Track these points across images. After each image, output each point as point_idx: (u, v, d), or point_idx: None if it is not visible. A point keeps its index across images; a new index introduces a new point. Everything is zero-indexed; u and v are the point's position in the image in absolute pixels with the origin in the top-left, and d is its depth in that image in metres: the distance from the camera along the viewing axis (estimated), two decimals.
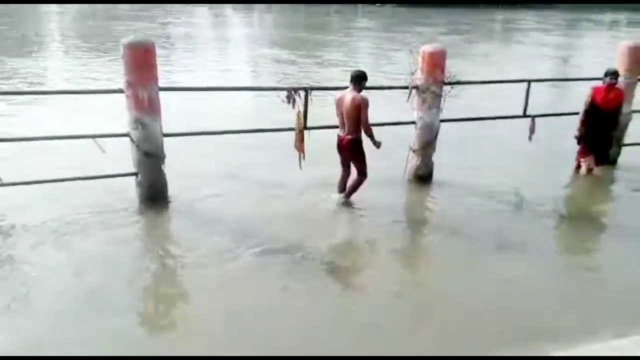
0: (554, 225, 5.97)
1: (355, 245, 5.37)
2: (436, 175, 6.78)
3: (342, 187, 6.10)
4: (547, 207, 6.25)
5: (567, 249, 5.57)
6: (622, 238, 5.63)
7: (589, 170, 7.11)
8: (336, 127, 5.95)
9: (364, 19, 34.45)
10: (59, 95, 7.95)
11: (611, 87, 6.77)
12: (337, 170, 6.12)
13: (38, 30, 23.61)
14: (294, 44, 20.91)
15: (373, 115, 5.64)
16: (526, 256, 5.14)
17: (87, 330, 3.83)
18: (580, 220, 6.12)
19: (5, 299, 4.14)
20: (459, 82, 6.52)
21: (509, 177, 7.06)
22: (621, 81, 6.95)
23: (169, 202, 5.84)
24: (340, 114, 5.71)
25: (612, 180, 7.24)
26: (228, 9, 39.53)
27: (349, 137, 5.67)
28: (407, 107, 6.59)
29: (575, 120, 7.04)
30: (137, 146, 5.53)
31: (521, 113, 7.17)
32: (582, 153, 7.12)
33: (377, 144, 5.70)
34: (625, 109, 7.19)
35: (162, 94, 5.50)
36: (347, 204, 6.02)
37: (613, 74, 6.74)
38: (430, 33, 25.06)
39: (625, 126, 7.42)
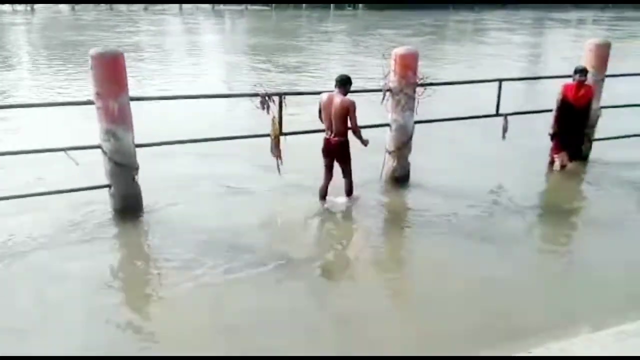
0: (531, 221, 6.04)
1: (335, 249, 5.32)
2: (413, 176, 6.81)
3: (324, 192, 6.11)
4: (523, 203, 6.32)
5: (545, 244, 5.63)
6: (598, 230, 5.75)
7: (563, 166, 7.24)
8: (312, 131, 5.94)
9: (332, 23, 34.56)
10: (28, 109, 7.74)
11: (581, 84, 6.91)
12: (314, 173, 6.11)
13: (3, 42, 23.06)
14: (263, 50, 20.85)
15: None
16: (505, 252, 5.20)
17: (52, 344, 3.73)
18: (556, 214, 6.20)
19: None
20: (431, 84, 6.56)
21: (485, 175, 7.13)
22: (589, 78, 7.08)
23: (144, 213, 5.73)
24: (328, 117, 5.74)
25: (585, 175, 7.38)
26: (200, 15, 39.27)
27: (337, 139, 5.75)
28: (382, 110, 6.62)
29: (548, 118, 7.16)
30: (109, 158, 5.42)
31: (494, 112, 7.25)
32: (556, 149, 7.24)
33: (366, 143, 5.83)
34: (594, 105, 7.34)
35: (133, 104, 5.41)
36: (353, 202, 6.11)
37: (582, 71, 6.88)
38: (394, 35, 25.31)
39: (595, 122, 7.57)
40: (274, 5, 42.95)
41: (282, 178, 6.17)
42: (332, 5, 42.86)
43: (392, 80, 6.43)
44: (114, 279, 4.68)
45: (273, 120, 5.98)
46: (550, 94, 7.30)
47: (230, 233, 5.40)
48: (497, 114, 7.26)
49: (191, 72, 15.65)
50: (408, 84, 6.39)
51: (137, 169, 5.58)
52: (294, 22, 34.53)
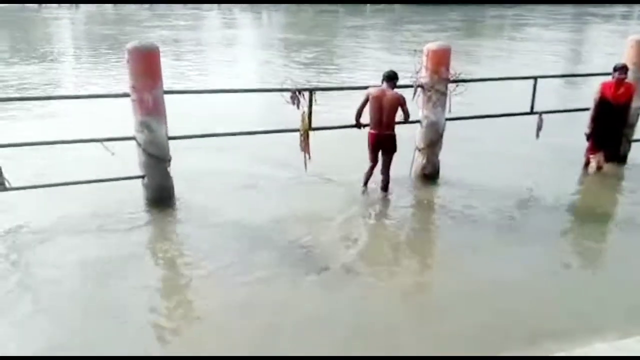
0: (562, 223, 5.90)
1: (368, 246, 5.30)
2: (442, 173, 6.76)
3: (368, 177, 6.32)
4: (555, 204, 6.19)
5: (575, 247, 5.51)
6: (633, 235, 5.57)
7: (599, 168, 7.04)
8: (340, 127, 5.98)
9: (360, 19, 34.38)
10: (66, 100, 8.02)
11: (620, 81, 6.70)
12: (341, 168, 6.19)
13: (48, 36, 23.82)
14: (293, 45, 20.93)
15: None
16: (538, 254, 5.11)
17: (97, 332, 3.87)
18: (590, 217, 6.04)
19: (21, 299, 4.22)
20: (464, 80, 6.48)
21: (517, 174, 7.01)
22: (630, 75, 6.87)
23: (175, 204, 5.87)
24: (379, 111, 5.90)
25: (621, 177, 7.16)
26: (235, 9, 39.64)
27: (389, 132, 6.00)
28: (413, 106, 6.57)
29: (585, 117, 6.97)
30: (143, 149, 5.57)
31: (528, 110, 7.11)
32: (592, 150, 7.05)
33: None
34: (635, 104, 7.11)
35: (167, 97, 5.54)
36: (386, 197, 6.25)
37: (622, 69, 6.67)
38: (419, 30, 25.08)
39: (635, 121, 7.34)
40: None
41: (309, 172, 6.22)
42: None
43: (424, 76, 6.37)
44: (146, 266, 4.81)
45: (302, 116, 6.02)
46: (589, 92, 7.10)
47: (258, 225, 5.49)
48: (532, 112, 7.11)
49: (225, 67, 15.86)
50: (440, 80, 6.33)
51: (169, 160, 5.72)
52: (326, 18, 34.48)
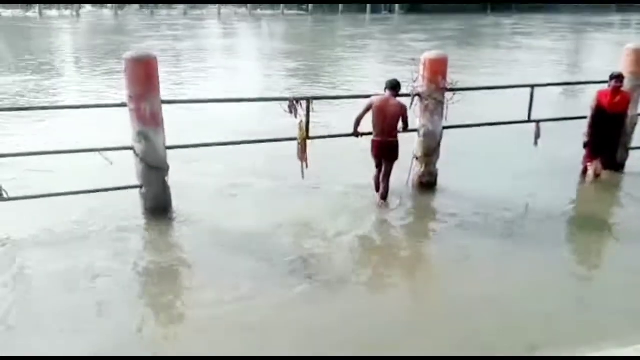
0: (563, 231, 5.92)
1: (365, 255, 5.34)
2: (440, 182, 6.76)
3: (378, 186, 6.34)
4: (554, 213, 6.18)
5: (576, 255, 5.52)
6: (631, 243, 5.55)
7: (596, 175, 7.04)
8: (337, 136, 6.01)
9: (353, 28, 34.55)
10: (64, 110, 8.05)
11: (617, 90, 6.73)
12: (338, 176, 6.21)
13: (48, 46, 23.93)
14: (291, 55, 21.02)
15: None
16: (536, 261, 5.11)
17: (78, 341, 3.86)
18: (586, 224, 6.06)
19: (9, 307, 4.22)
20: (461, 89, 6.50)
21: (514, 183, 7.01)
22: (627, 84, 6.89)
23: (173, 213, 5.87)
24: (382, 119, 5.96)
25: (619, 185, 7.17)
26: (234, 18, 39.84)
27: (392, 139, 6.06)
28: (410, 115, 6.59)
29: (583, 125, 6.99)
30: (141, 159, 5.58)
31: (526, 118, 7.12)
32: (589, 157, 7.06)
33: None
34: (631, 112, 7.13)
35: (165, 107, 5.56)
36: (386, 205, 6.27)
37: (618, 77, 6.70)
38: (409, 40, 25.28)
39: (632, 130, 7.35)
40: (309, 9, 43.27)
41: (306, 181, 6.23)
42: (368, 8, 42.85)
43: (421, 85, 6.40)
44: (141, 276, 4.81)
45: (300, 125, 6.04)
46: (587, 100, 7.12)
47: (255, 233, 5.50)
48: (529, 120, 7.13)
49: (220, 77, 15.93)
50: (437, 89, 6.35)
51: (167, 170, 5.73)
52: (323, 27, 34.68)
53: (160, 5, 43.59)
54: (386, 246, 5.55)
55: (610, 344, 3.75)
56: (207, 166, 7.09)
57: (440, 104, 6.41)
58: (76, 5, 39.24)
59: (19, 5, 39.10)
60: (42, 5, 38.40)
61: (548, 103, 7.36)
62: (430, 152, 6.60)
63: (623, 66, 7.16)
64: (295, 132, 6.05)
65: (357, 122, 6.15)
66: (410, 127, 6.30)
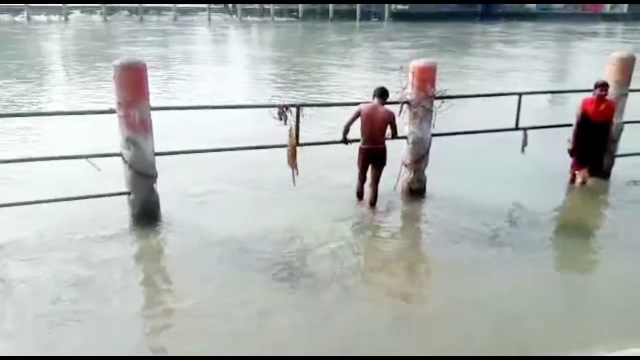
0: (550, 238, 5.96)
1: (354, 261, 5.32)
2: (429, 189, 6.79)
3: (360, 193, 6.43)
4: (542, 220, 6.23)
5: (564, 262, 5.56)
6: (618, 250, 5.62)
7: (583, 183, 7.11)
8: (328, 143, 6.05)
9: (336, 34, 34.71)
10: (52, 117, 8.02)
11: (602, 98, 6.81)
12: (327, 183, 6.26)
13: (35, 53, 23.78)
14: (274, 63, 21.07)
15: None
16: (524, 268, 5.15)
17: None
18: (576, 232, 6.10)
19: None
20: (449, 97, 6.55)
21: (503, 190, 7.06)
22: (612, 92, 6.99)
23: (162, 220, 5.84)
24: (370, 126, 6.01)
25: (606, 192, 7.24)
26: (230, 25, 39.85)
27: (381, 146, 6.14)
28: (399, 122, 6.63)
29: (569, 133, 7.06)
30: (129, 165, 5.55)
31: (513, 126, 7.19)
32: (576, 165, 7.14)
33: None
34: (617, 120, 7.22)
35: (153, 113, 5.55)
36: (375, 211, 6.31)
37: (602, 86, 6.78)
38: (391, 47, 25.47)
39: (618, 137, 7.44)
40: (300, 16, 43.45)
41: (293, 187, 6.23)
42: (357, 16, 43.12)
43: (410, 93, 6.44)
44: (129, 285, 4.77)
45: (290, 132, 6.05)
46: (572, 108, 7.20)
47: (244, 241, 5.48)
48: (517, 128, 7.20)
49: (212, 82, 15.92)
50: (426, 96, 6.40)
51: (155, 177, 5.71)
52: (313, 34, 34.83)
53: (151, 11, 43.53)
54: (373, 252, 5.55)
55: (600, 348, 3.79)
56: (195, 172, 7.06)
57: (428, 111, 6.46)
58: (64, 11, 38.99)
59: (7, 9, 38.83)
60: (30, 10, 38.15)
61: (533, 111, 7.41)
62: (418, 159, 6.64)
63: (608, 74, 7.25)
64: (285, 139, 6.06)
65: (346, 129, 6.18)
66: (399, 134, 6.35)
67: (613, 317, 4.39)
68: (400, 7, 46.08)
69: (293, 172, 6.18)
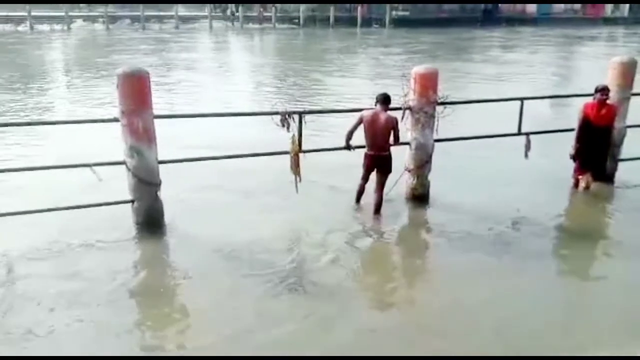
0: (554, 244, 5.96)
1: (358, 267, 5.33)
2: (432, 194, 6.79)
3: (359, 197, 6.49)
4: (546, 225, 6.22)
5: (567, 267, 5.55)
6: (623, 255, 5.60)
7: (587, 187, 7.10)
8: (330, 149, 6.07)
9: (336, 40, 34.81)
10: (55, 126, 8.05)
11: (603, 102, 6.81)
12: (331, 189, 6.35)
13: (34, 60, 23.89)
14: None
15: (360, 138, 6.07)
16: (527, 274, 5.14)
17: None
18: (580, 237, 6.09)
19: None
20: (452, 102, 6.57)
21: (506, 195, 7.05)
22: (613, 96, 6.99)
23: (165, 228, 5.86)
24: (373, 133, 6.02)
25: (610, 197, 7.23)
26: (230, 31, 40.00)
27: (386, 153, 6.16)
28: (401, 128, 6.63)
29: (571, 138, 7.06)
30: (133, 174, 5.57)
31: (516, 131, 7.19)
32: (579, 170, 7.13)
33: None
34: (619, 124, 7.22)
35: (157, 121, 5.57)
36: (379, 217, 6.30)
37: (603, 90, 6.78)
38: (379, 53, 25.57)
39: (621, 141, 7.43)
40: (301, 23, 43.58)
41: (299, 194, 6.24)
42: (358, 22, 43.22)
43: (412, 99, 6.45)
44: (132, 292, 4.78)
45: (292, 138, 6.07)
46: (576, 113, 7.19)
47: (247, 247, 5.49)
48: (519, 133, 7.20)
49: (215, 90, 15.98)
50: (428, 102, 6.41)
51: (159, 184, 5.73)
52: (314, 40, 34.95)
53: (152, 19, 43.71)
54: (377, 258, 5.56)
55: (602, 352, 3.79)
56: (198, 179, 7.08)
57: (431, 117, 6.47)
58: (67, 20, 39.18)
59: (9, 19, 39.06)
60: (33, 20, 38.35)
61: (532, 116, 7.41)
62: (422, 165, 6.64)
63: (610, 79, 7.26)
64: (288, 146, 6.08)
65: (349, 136, 6.19)
66: (402, 140, 6.36)
67: (617, 323, 4.38)
68: (401, 13, 46.23)
69: (296, 178, 6.19)
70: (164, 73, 18.17)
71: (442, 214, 6.47)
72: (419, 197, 6.74)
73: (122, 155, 5.54)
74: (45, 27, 39.30)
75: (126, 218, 5.78)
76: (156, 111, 5.63)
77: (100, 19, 42.05)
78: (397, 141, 6.22)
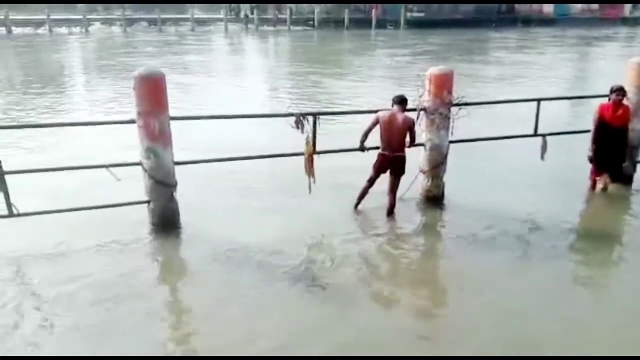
0: (572, 246, 5.87)
1: (373, 270, 5.33)
2: (447, 196, 6.75)
3: (360, 200, 6.39)
4: (563, 228, 6.14)
5: (586, 271, 5.46)
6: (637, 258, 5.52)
7: (604, 189, 7.02)
8: (344, 150, 6.07)
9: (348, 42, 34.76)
10: (74, 127, 8.17)
11: (618, 103, 6.73)
12: (346, 191, 6.26)
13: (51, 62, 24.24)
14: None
15: (376, 138, 6.03)
16: (543, 277, 5.09)
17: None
18: (598, 240, 6.00)
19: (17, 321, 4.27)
20: (467, 104, 6.53)
21: (523, 197, 6.98)
22: (632, 98, 6.90)
23: (181, 229, 5.90)
24: (389, 134, 6.03)
25: (628, 199, 7.13)
26: (242, 34, 40.20)
27: (400, 154, 6.14)
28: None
29: (588, 140, 6.98)
30: (150, 175, 5.62)
31: (532, 132, 7.13)
32: (596, 172, 7.05)
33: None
34: (637, 125, 7.12)
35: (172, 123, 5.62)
36: (392, 219, 6.30)
37: (618, 90, 6.71)
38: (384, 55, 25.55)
39: (639, 143, 7.32)
40: (315, 25, 43.63)
41: (311, 195, 6.24)
42: (373, 24, 43.15)
43: (427, 100, 6.43)
44: (148, 292, 4.82)
45: (307, 140, 6.08)
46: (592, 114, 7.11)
47: (261, 248, 5.51)
48: (536, 134, 7.13)
49: (230, 91, 16.08)
50: (443, 103, 6.38)
51: (175, 185, 5.77)
52: (313, 43, 34.98)
53: (168, 22, 44.09)
54: (390, 260, 5.53)
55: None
56: (212, 180, 7.12)
57: (446, 118, 6.44)
58: (85, 23, 39.70)
59: (28, 22, 39.70)
60: (52, 23, 38.92)
61: (548, 118, 7.33)
62: (436, 166, 6.61)
63: (628, 80, 7.16)
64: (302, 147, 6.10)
65: (364, 136, 6.19)
66: (417, 141, 6.34)
67: (635, 328, 4.31)
68: (415, 14, 46.05)
69: (310, 180, 6.20)
70: (179, 75, 18.36)
71: (457, 216, 6.43)
72: (434, 199, 6.71)
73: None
74: (63, 30, 39.84)
75: (142, 218, 5.84)
76: (174, 112, 5.68)
77: (118, 22, 42.54)
78: (413, 142, 6.20)
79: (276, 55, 29.08)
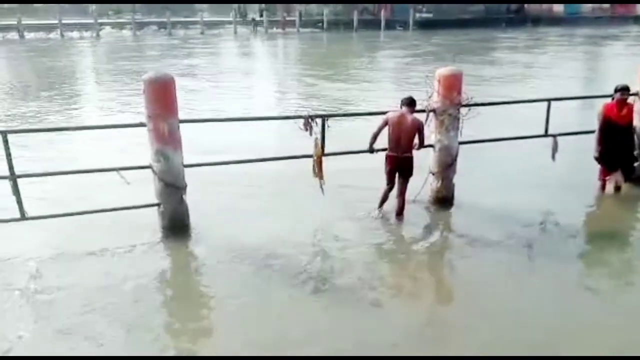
0: (583, 248, 5.84)
1: (383, 271, 5.33)
2: (457, 197, 6.72)
3: (385, 200, 6.38)
4: (574, 229, 6.11)
5: (598, 273, 5.40)
6: None
7: (617, 188, 6.94)
8: (353, 152, 6.07)
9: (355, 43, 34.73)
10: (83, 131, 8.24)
11: (622, 102, 6.68)
12: (355, 192, 6.33)
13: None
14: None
15: (384, 141, 6.03)
16: (556, 279, 5.05)
17: None
18: (610, 242, 5.92)
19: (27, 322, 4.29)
20: (476, 104, 6.50)
21: (533, 198, 6.93)
22: None
23: (191, 230, 5.92)
24: (398, 135, 6.02)
25: (639, 199, 7.04)
26: (251, 36, 40.35)
27: (408, 155, 6.12)
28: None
29: (593, 140, 6.91)
30: (159, 178, 5.65)
31: (542, 132, 7.07)
32: (604, 172, 6.98)
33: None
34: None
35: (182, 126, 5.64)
36: (402, 220, 6.28)
37: (622, 90, 6.66)
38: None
39: None
40: (324, 27, 43.68)
41: (324, 197, 6.24)
42: (382, 25, 43.11)
43: (436, 101, 6.41)
44: (159, 295, 4.85)
45: (316, 142, 6.08)
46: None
47: (270, 250, 5.51)
48: (546, 135, 7.08)
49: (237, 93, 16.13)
50: (452, 104, 6.36)
51: (185, 188, 5.80)
52: (317, 46, 35.00)
53: (178, 25, 44.35)
54: (400, 261, 5.52)
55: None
56: (222, 183, 7.15)
57: (455, 119, 6.41)
58: (96, 27, 40.06)
59: (40, 27, 40.12)
60: (63, 27, 39.32)
61: (558, 118, 7.27)
62: (446, 168, 6.58)
63: (639, 80, 7.10)
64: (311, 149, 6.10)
65: (374, 138, 6.18)
66: (426, 142, 6.31)
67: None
68: (424, 15, 45.93)
69: (320, 182, 6.20)
70: (189, 79, 18.45)
71: (468, 217, 6.41)
72: (443, 200, 6.68)
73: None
74: (75, 34, 40.21)
75: (152, 221, 5.86)
76: (181, 116, 5.71)
77: (128, 26, 42.88)
78: (422, 143, 6.18)
79: (285, 57, 29.12)
